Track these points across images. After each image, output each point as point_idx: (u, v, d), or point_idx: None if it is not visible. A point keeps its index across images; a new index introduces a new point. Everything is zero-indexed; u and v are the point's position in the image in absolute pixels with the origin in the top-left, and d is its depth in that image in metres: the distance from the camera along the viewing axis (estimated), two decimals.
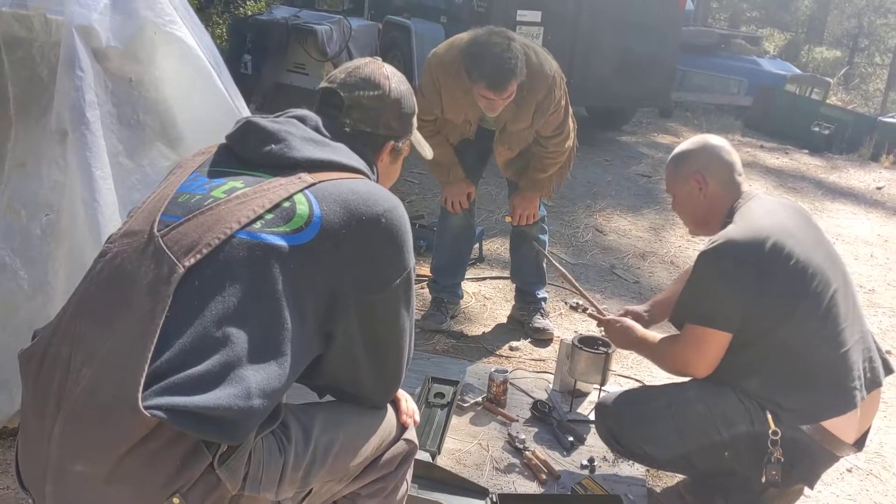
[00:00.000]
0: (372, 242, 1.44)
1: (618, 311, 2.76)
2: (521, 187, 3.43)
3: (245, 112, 2.63)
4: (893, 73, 18.68)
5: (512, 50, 2.86)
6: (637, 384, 3.20)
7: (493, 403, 2.90)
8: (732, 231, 2.19)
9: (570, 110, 3.30)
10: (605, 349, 2.81)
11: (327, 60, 6.95)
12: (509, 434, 2.73)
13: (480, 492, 2.29)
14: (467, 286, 3.94)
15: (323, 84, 1.65)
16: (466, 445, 2.67)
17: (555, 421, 2.83)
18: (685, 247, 5.12)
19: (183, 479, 1.24)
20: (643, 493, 2.51)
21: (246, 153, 1.50)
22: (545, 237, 3.65)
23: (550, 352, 3.47)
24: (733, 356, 2.21)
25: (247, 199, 1.39)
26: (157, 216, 1.39)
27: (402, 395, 1.73)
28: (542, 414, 2.87)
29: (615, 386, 3.12)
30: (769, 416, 2.17)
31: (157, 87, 2.43)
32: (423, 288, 3.80)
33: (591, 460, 2.62)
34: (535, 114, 3.12)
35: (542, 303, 3.68)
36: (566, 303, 3.51)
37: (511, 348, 3.50)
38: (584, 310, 2.80)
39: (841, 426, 2.21)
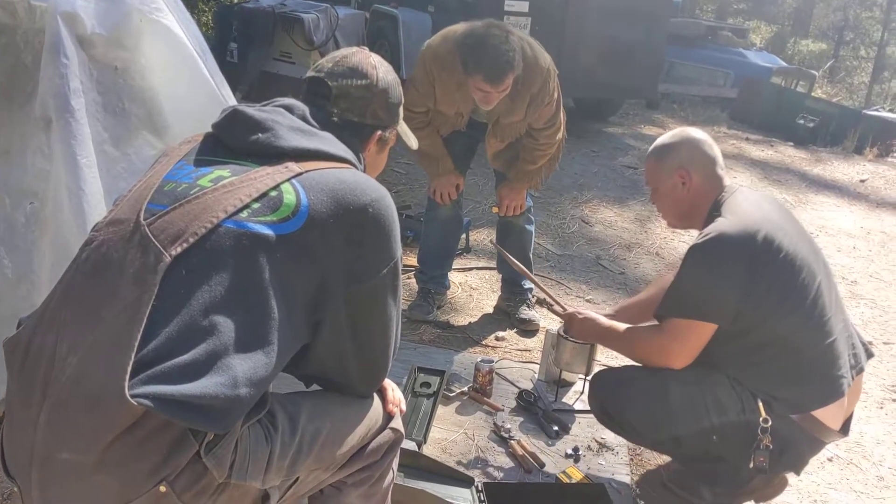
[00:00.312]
0: (359, 232, 1.44)
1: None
2: (510, 178, 3.43)
3: (231, 101, 2.61)
4: (878, 66, 18.83)
5: (510, 43, 2.85)
6: None
7: (479, 393, 2.91)
8: (724, 224, 2.20)
9: (562, 102, 3.31)
10: None
11: (314, 49, 6.91)
12: (495, 423, 2.75)
13: (466, 480, 2.30)
14: (454, 276, 3.95)
15: (310, 73, 1.65)
16: (452, 435, 2.68)
17: (540, 410, 2.85)
18: (670, 238, 5.15)
19: (170, 467, 1.24)
20: (627, 482, 2.54)
21: (232, 142, 1.50)
22: (531, 227, 3.66)
23: (536, 342, 3.48)
24: (726, 347, 2.24)
25: (233, 188, 1.38)
26: (144, 205, 1.38)
27: (389, 384, 1.73)
28: (527, 403, 2.89)
29: None
30: (760, 405, 2.20)
31: (142, 74, 2.41)
32: (409, 278, 3.81)
33: (575, 449, 2.64)
34: (528, 107, 3.12)
35: (529, 293, 3.69)
36: (518, 317, 3.56)
37: (497, 338, 3.52)
38: (550, 306, 2.82)
39: (829, 414, 2.25)
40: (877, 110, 12.44)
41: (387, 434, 1.68)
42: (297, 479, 1.50)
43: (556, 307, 2.73)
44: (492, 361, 2.97)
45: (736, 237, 2.17)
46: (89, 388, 1.23)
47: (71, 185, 2.19)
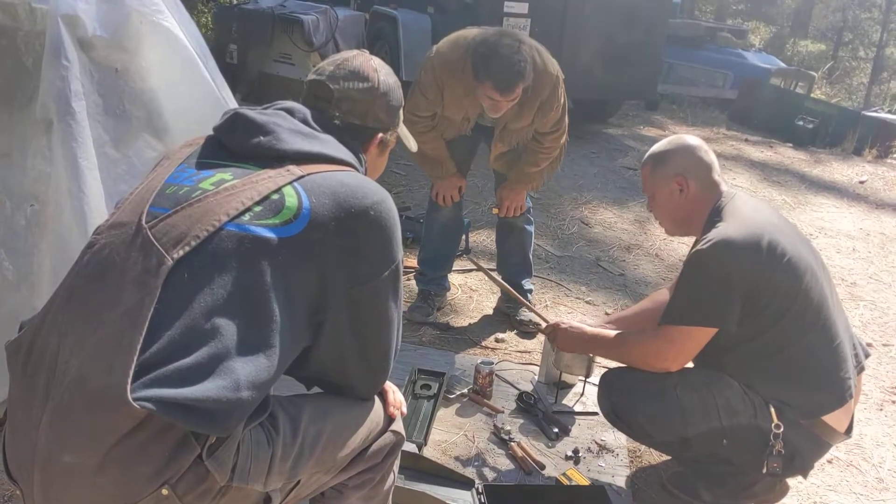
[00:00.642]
0: (361, 235, 1.45)
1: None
2: (511, 180, 3.44)
3: (232, 103, 2.62)
4: (877, 67, 18.86)
5: (521, 53, 2.86)
6: None
7: (479, 395, 2.91)
8: (727, 230, 2.21)
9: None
10: None
11: (313, 51, 6.91)
12: (495, 425, 2.75)
13: (466, 482, 2.31)
14: (453, 278, 3.96)
15: (311, 76, 1.65)
16: (452, 437, 2.68)
17: (540, 412, 2.85)
18: (670, 240, 5.15)
19: (172, 470, 1.24)
20: (627, 484, 2.54)
21: (234, 145, 1.50)
22: (531, 228, 3.66)
23: (536, 343, 3.48)
24: (736, 353, 2.25)
25: (235, 191, 1.39)
26: (146, 208, 1.39)
27: (390, 386, 1.73)
28: (527, 405, 2.89)
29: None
30: (773, 411, 2.22)
31: (143, 76, 2.42)
32: (409, 280, 3.81)
33: (575, 451, 2.65)
34: (537, 112, 3.13)
35: (528, 295, 3.69)
36: (518, 318, 3.56)
37: (497, 340, 3.52)
38: (537, 325, 2.82)
39: (837, 417, 2.27)
40: (876, 111, 12.44)
41: (388, 436, 1.68)
42: (299, 481, 1.50)
43: (539, 321, 2.74)
44: (492, 363, 2.97)
45: (741, 242, 2.17)
46: (91, 390, 1.23)
47: (72, 188, 2.20)
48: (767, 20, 24.98)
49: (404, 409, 1.76)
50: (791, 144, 8.72)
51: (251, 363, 1.30)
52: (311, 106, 1.59)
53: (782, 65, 12.57)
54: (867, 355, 2.43)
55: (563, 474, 2.48)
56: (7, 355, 1.39)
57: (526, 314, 3.60)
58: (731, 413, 2.24)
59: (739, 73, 10.70)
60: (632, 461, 2.69)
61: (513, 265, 3.69)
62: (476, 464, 2.54)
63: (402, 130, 1.82)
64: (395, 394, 1.74)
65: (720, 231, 2.20)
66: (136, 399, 1.19)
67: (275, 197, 1.39)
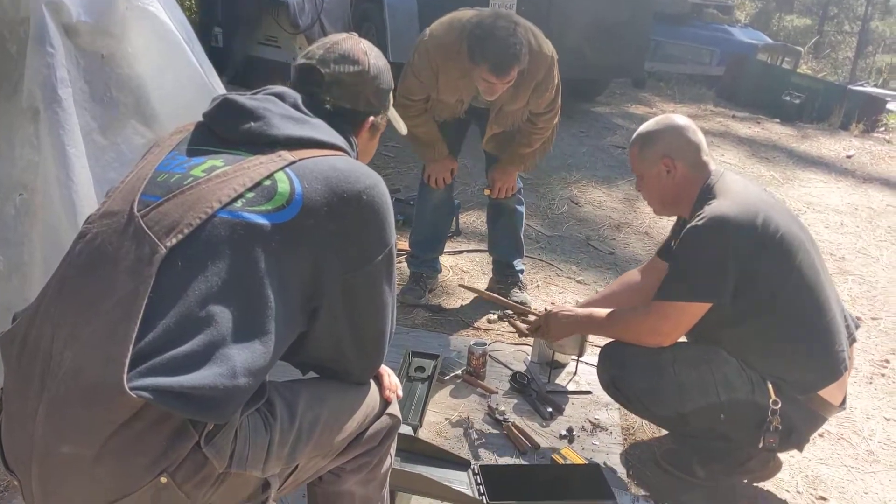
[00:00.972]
0: (353, 219, 1.44)
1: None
2: (503, 161, 3.43)
3: (219, 87, 2.60)
4: (862, 41, 18.88)
5: (517, 35, 2.85)
6: None
7: (473, 376, 2.92)
8: (723, 206, 2.22)
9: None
10: None
11: (299, 33, 6.85)
12: (489, 406, 2.77)
13: (462, 463, 2.32)
14: (444, 259, 3.96)
15: (301, 60, 1.64)
16: (447, 418, 2.69)
17: (533, 392, 2.87)
18: (659, 218, 5.16)
19: (170, 458, 1.24)
20: (621, 462, 2.56)
21: (224, 131, 1.49)
22: (522, 209, 3.67)
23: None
24: (733, 330, 2.28)
25: (227, 177, 1.38)
26: (137, 196, 1.38)
27: (385, 370, 1.74)
28: (520, 385, 2.91)
29: (593, 357, 3.15)
30: (770, 387, 2.24)
31: (129, 62, 2.39)
32: (400, 262, 3.81)
33: (569, 430, 2.66)
34: (532, 94, 3.12)
35: (520, 275, 3.70)
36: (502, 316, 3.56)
37: (489, 321, 3.53)
38: (522, 317, 2.82)
39: (832, 391, 2.31)
40: (861, 85, 12.48)
41: (384, 420, 1.69)
42: (297, 466, 1.51)
43: (530, 317, 2.75)
44: (485, 344, 2.98)
45: (737, 219, 2.18)
46: (87, 381, 1.23)
47: (60, 176, 2.18)
48: None
49: (400, 393, 1.77)
50: (778, 120, 8.73)
51: (247, 350, 1.30)
52: (302, 90, 1.58)
53: (769, 40, 12.54)
54: (857, 326, 2.46)
55: (558, 453, 2.50)
56: (1, 347, 1.38)
57: (518, 294, 3.61)
58: (729, 389, 2.27)
59: (726, 49, 10.66)
60: (625, 439, 2.72)
61: (504, 246, 3.70)
62: (471, 444, 2.56)
63: (392, 113, 1.81)
64: (390, 377, 1.75)
65: (716, 207, 2.21)
66: (132, 388, 1.19)
67: (267, 183, 1.38)
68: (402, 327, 3.30)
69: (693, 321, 2.27)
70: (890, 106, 9.19)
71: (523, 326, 2.80)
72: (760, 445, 2.26)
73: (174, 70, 2.47)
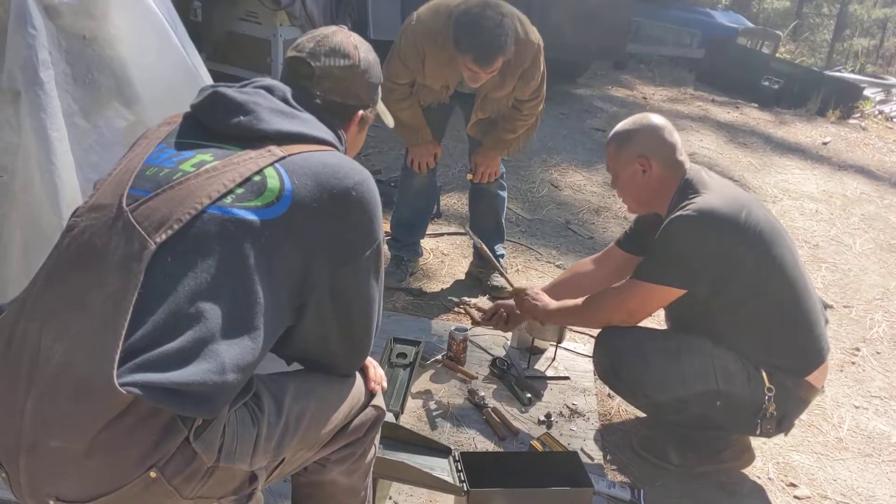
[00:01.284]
0: (343, 215, 1.45)
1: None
2: (486, 146, 3.43)
3: (202, 70, 2.57)
4: (840, 24, 18.99)
5: (503, 26, 2.84)
6: None
7: (453, 361, 2.95)
8: (711, 200, 2.26)
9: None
10: None
11: (280, 9, 6.74)
12: (469, 391, 2.79)
13: (443, 450, 2.34)
14: (425, 242, 3.97)
15: (291, 53, 1.63)
16: (427, 404, 2.72)
17: (513, 378, 2.90)
18: None
19: (159, 453, 1.25)
20: (597, 448, 2.60)
21: (213, 124, 1.48)
22: (504, 193, 3.68)
23: None
24: (724, 320, 2.35)
25: (217, 173, 1.38)
26: (126, 190, 1.37)
27: (371, 362, 1.75)
28: (500, 371, 2.94)
29: (571, 343, 3.20)
30: (765, 375, 2.31)
31: (111, 44, 2.35)
32: None
33: (548, 416, 2.71)
34: (518, 81, 3.13)
35: (500, 259, 3.72)
36: (490, 284, 3.63)
37: (462, 304, 3.54)
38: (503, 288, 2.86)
39: (817, 375, 2.41)
40: (839, 71, 12.59)
41: (369, 412, 1.70)
42: (283, 459, 1.52)
43: (507, 284, 2.80)
44: (466, 329, 3.00)
45: (724, 214, 2.25)
46: (77, 376, 1.23)
47: (41, 159, 2.14)
48: None
49: (385, 385, 1.79)
50: (756, 105, 8.80)
51: (236, 346, 1.31)
52: (292, 84, 1.57)
53: (749, 24, 12.60)
54: (828, 307, 2.55)
55: (537, 439, 2.54)
56: None
57: (498, 279, 3.63)
58: (727, 378, 2.34)
59: (707, 32, 10.70)
60: (602, 425, 2.76)
61: (485, 230, 3.71)
62: (451, 431, 2.59)
63: (381, 107, 1.81)
64: (375, 369, 1.76)
65: (704, 200, 2.26)
66: (122, 384, 1.19)
67: (256, 179, 1.38)
68: (383, 311, 3.30)
69: (661, 304, 2.36)
70: (866, 93, 9.29)
71: (477, 314, 2.85)
72: (757, 432, 2.36)
73: (157, 52, 2.43)
